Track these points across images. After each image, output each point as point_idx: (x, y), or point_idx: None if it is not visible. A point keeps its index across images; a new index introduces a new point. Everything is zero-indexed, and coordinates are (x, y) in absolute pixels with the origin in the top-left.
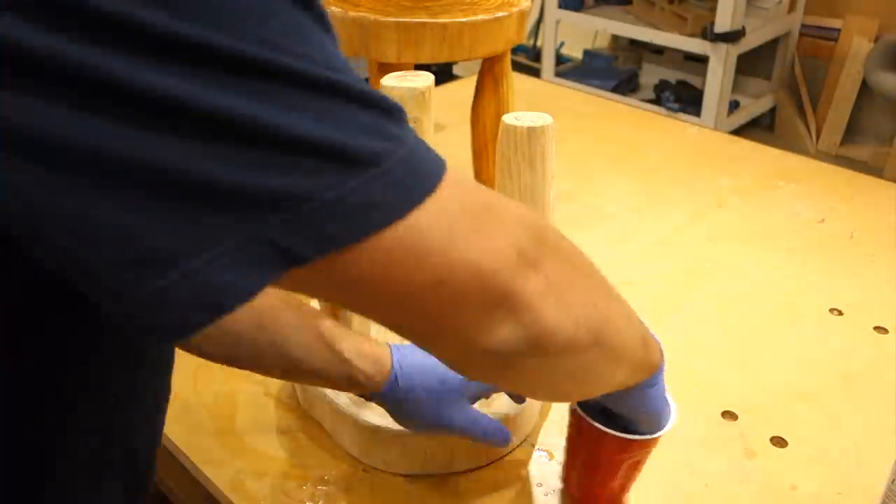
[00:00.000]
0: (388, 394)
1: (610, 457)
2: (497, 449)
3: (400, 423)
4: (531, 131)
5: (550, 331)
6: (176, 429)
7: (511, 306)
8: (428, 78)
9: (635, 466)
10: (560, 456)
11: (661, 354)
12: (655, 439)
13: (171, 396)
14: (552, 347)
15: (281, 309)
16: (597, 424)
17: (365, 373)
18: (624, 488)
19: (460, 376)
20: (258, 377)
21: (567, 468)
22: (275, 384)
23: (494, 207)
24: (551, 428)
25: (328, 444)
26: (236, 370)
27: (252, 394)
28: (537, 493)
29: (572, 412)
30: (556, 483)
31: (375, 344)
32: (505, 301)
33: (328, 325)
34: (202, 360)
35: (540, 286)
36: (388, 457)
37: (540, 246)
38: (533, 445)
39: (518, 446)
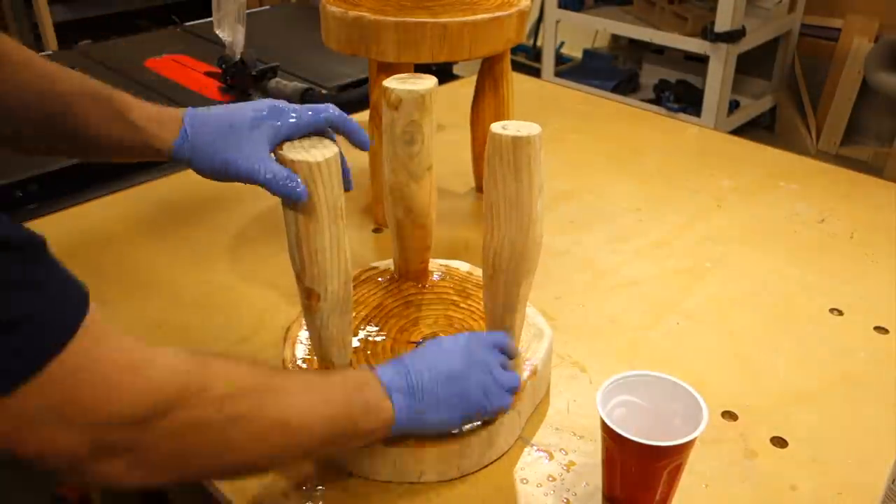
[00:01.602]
0: (180, 147)
1: (649, 466)
2: (469, 461)
3: (200, 174)
4: (516, 141)
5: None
6: None
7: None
8: (430, 81)
9: (676, 471)
10: (560, 458)
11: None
12: (691, 442)
13: None
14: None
15: (76, 95)
16: (629, 436)
17: (157, 135)
18: (668, 496)
19: (250, 118)
20: None
21: (609, 483)
22: None
23: (102, 385)
24: (549, 429)
25: None
26: None
27: None
28: (537, 493)
29: (605, 427)
30: (556, 483)
31: (168, 109)
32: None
33: (119, 98)
34: None
35: (117, 470)
36: (361, 465)
37: (143, 425)
38: (533, 446)
39: (505, 452)
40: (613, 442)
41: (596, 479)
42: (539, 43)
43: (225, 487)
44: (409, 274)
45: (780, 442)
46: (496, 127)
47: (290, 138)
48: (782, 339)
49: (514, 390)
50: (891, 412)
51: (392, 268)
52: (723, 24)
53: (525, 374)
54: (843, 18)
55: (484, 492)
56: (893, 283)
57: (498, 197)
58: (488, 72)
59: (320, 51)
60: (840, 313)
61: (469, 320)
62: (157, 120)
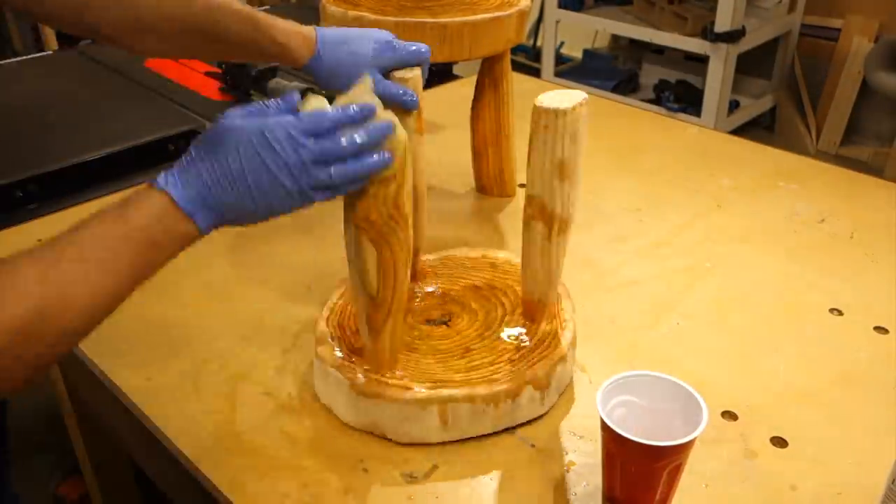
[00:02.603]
0: (313, 65)
1: (649, 466)
2: (500, 417)
3: (324, 88)
4: (559, 113)
5: None
6: (174, 428)
7: None
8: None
9: (676, 471)
10: (560, 458)
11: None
12: (691, 442)
13: (171, 395)
14: None
15: (227, 14)
16: (630, 436)
17: (296, 51)
18: (668, 496)
19: (370, 51)
20: (258, 376)
21: (609, 484)
22: (274, 383)
23: None
24: (545, 429)
25: (328, 445)
26: (236, 372)
27: (252, 394)
28: (537, 493)
29: (605, 428)
30: (556, 484)
31: (301, 27)
32: None
33: (261, 16)
34: (202, 361)
35: None
36: (382, 418)
37: None
38: (533, 446)
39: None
40: (613, 442)
41: (596, 479)
42: (539, 43)
43: (224, 486)
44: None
45: (780, 442)
46: (542, 98)
47: (395, 67)
48: (782, 339)
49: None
50: (891, 412)
51: None
52: (723, 24)
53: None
54: (843, 18)
55: (484, 495)
56: (893, 283)
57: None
58: (488, 72)
59: None
60: (840, 313)
61: (469, 299)
62: (294, 36)
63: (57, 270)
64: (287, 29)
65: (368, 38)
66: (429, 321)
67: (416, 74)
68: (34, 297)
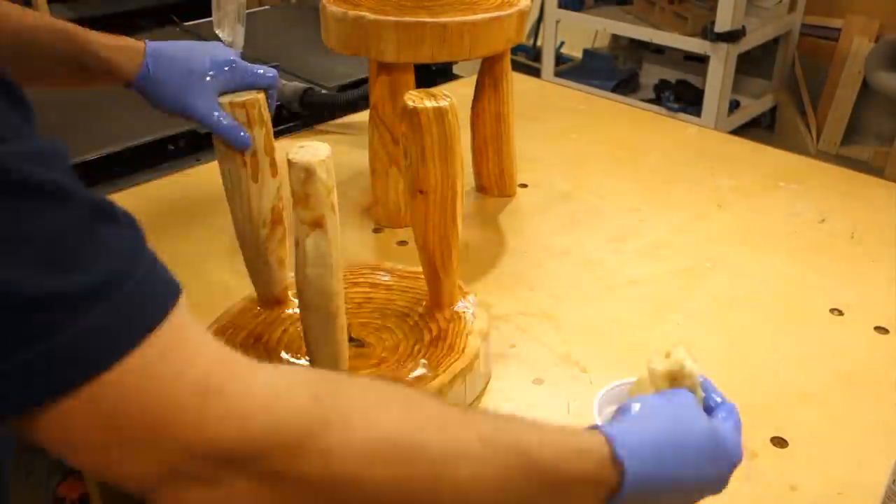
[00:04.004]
0: (141, 80)
1: None
2: None
3: (155, 107)
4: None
5: None
6: None
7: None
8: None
9: None
10: None
11: (618, 473)
12: None
13: None
14: None
15: (41, 30)
16: None
17: (121, 66)
18: None
19: (207, 68)
20: None
21: None
22: None
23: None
24: None
25: None
26: None
27: None
28: None
29: None
30: None
31: (128, 40)
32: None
33: (81, 31)
34: None
35: (199, 497)
36: None
37: (233, 466)
38: None
39: None
40: None
41: None
42: (539, 43)
43: None
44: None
45: (780, 442)
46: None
47: (233, 90)
48: (782, 339)
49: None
50: (891, 412)
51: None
52: (723, 24)
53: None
54: (843, 18)
55: None
56: (893, 283)
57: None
58: (488, 72)
59: (320, 51)
60: (840, 313)
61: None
62: (120, 51)
63: (457, 433)
64: (110, 43)
65: (205, 55)
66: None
67: (253, 98)
68: (420, 436)
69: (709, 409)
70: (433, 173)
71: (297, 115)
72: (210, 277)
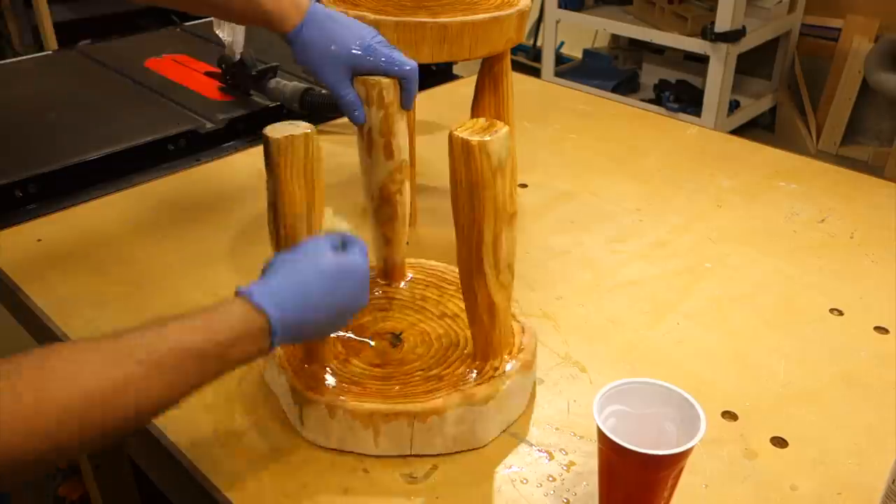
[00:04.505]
0: (292, 37)
1: (652, 476)
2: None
3: (298, 63)
4: (482, 145)
5: None
6: (174, 428)
7: None
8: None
9: (678, 477)
10: (560, 458)
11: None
12: (692, 448)
13: None
14: None
15: None
16: (632, 447)
17: (279, 22)
18: (668, 500)
19: (349, 46)
20: (258, 376)
21: (608, 496)
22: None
23: None
24: (549, 429)
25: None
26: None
27: (252, 394)
28: (537, 493)
29: (605, 440)
30: (556, 483)
31: None
32: None
33: None
34: None
35: None
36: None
37: None
38: (532, 446)
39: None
40: (615, 454)
41: (596, 479)
42: (539, 43)
43: (224, 486)
44: (386, 271)
45: (780, 442)
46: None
47: (369, 72)
48: (782, 339)
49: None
50: (891, 412)
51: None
52: (723, 24)
53: (514, 368)
54: (843, 18)
55: (483, 495)
56: (893, 283)
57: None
58: (488, 72)
59: None
60: (840, 313)
61: (445, 308)
62: (283, 5)
63: (117, 369)
64: None
65: (353, 35)
66: (377, 335)
67: (376, 80)
68: (85, 386)
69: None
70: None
71: (296, 115)
72: (211, 277)
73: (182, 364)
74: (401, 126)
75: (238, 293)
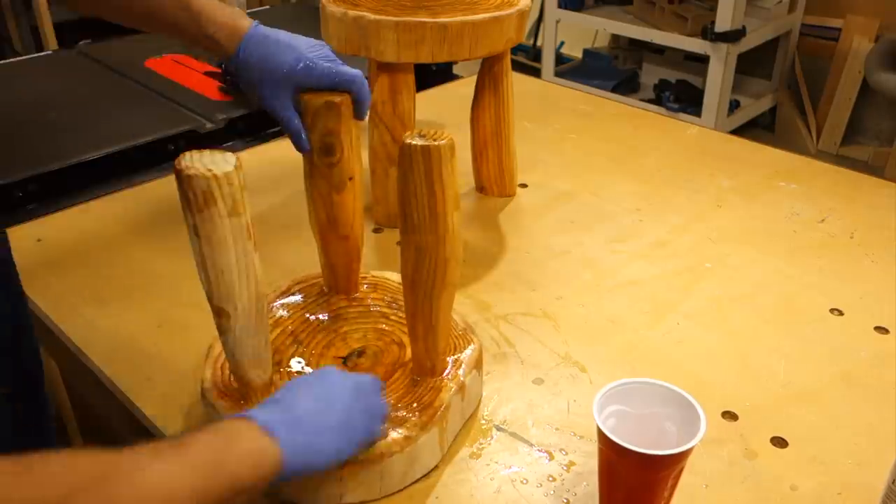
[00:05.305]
0: (232, 62)
1: (653, 476)
2: (392, 481)
3: (243, 91)
4: (425, 150)
5: None
6: (176, 429)
7: None
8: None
9: (678, 476)
10: (560, 458)
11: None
12: (692, 448)
13: (171, 396)
14: None
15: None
16: (633, 447)
17: (221, 46)
18: (668, 499)
19: (290, 63)
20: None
21: (609, 497)
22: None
23: None
24: (549, 429)
25: None
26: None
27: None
28: (536, 493)
29: (605, 441)
30: (556, 483)
31: (238, 20)
32: None
33: (198, 3)
34: (203, 361)
35: None
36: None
37: None
38: (533, 446)
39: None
40: (615, 454)
41: (596, 479)
42: (539, 43)
43: None
44: (338, 287)
45: (780, 442)
46: (408, 137)
47: (312, 90)
48: (782, 339)
49: (384, 418)
50: (891, 412)
51: (322, 280)
52: (723, 24)
53: (451, 391)
54: (843, 18)
55: (483, 496)
56: (893, 283)
57: (412, 208)
58: (488, 72)
59: None
60: (840, 313)
61: (399, 332)
62: (223, 29)
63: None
64: (218, 20)
65: (294, 51)
66: (338, 357)
67: (332, 100)
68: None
69: None
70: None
71: None
72: None
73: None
74: (346, 143)
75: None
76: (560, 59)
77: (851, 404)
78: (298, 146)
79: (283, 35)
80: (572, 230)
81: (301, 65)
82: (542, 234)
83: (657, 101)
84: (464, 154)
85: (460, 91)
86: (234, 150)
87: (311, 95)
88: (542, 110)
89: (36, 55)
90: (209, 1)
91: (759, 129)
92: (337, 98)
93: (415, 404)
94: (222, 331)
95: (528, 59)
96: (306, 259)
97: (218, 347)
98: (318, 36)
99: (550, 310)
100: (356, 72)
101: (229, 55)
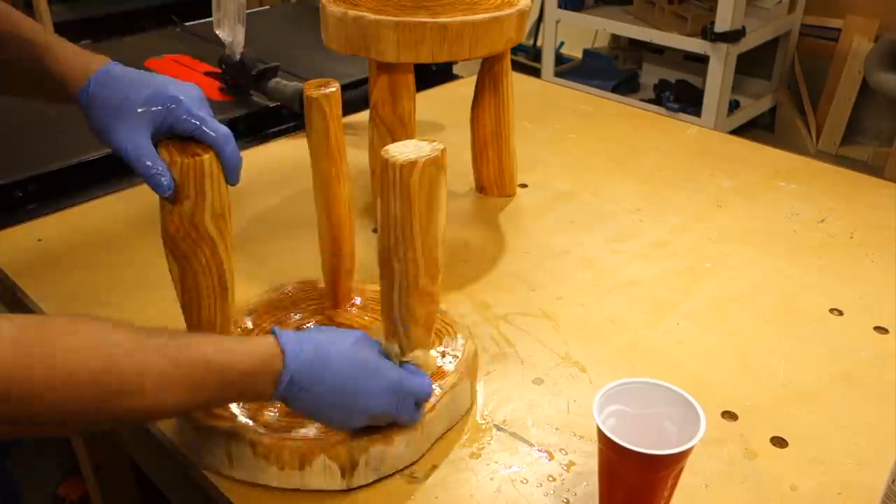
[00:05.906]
0: (81, 99)
1: (653, 476)
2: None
3: (90, 130)
4: (405, 167)
5: None
6: (175, 429)
7: None
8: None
9: (678, 476)
10: (560, 458)
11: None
12: (692, 448)
13: None
14: None
15: (9, 42)
16: (633, 447)
17: (66, 81)
18: (668, 499)
19: (143, 99)
20: None
21: (609, 497)
22: None
23: None
24: (549, 429)
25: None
26: None
27: None
28: (536, 493)
29: (605, 441)
30: (556, 483)
31: (94, 57)
32: None
33: (42, 44)
34: None
35: None
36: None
37: None
38: (533, 446)
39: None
40: (615, 454)
41: (596, 479)
42: (539, 43)
43: (224, 487)
44: (329, 296)
45: (780, 442)
46: (388, 149)
47: (173, 133)
48: (782, 339)
49: (421, 401)
50: (891, 412)
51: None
52: (723, 24)
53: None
54: (843, 18)
55: (484, 496)
56: (893, 283)
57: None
58: (488, 72)
59: (320, 51)
60: (840, 313)
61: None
62: (71, 66)
63: (142, 357)
64: (67, 57)
65: (148, 87)
66: None
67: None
68: (106, 358)
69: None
70: None
71: (297, 115)
72: None
73: (203, 378)
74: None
75: (272, 331)
76: (560, 59)
77: (851, 404)
78: (161, 189)
79: (142, 75)
80: (572, 230)
81: (166, 103)
82: (541, 234)
83: (657, 101)
84: (464, 154)
85: (460, 91)
86: None
87: (174, 146)
88: (542, 110)
89: None
90: (54, 42)
91: (758, 129)
92: (202, 152)
93: None
94: None
95: (528, 59)
96: (306, 259)
97: None
98: (318, 36)
99: (550, 310)
100: (224, 128)
101: (74, 92)
